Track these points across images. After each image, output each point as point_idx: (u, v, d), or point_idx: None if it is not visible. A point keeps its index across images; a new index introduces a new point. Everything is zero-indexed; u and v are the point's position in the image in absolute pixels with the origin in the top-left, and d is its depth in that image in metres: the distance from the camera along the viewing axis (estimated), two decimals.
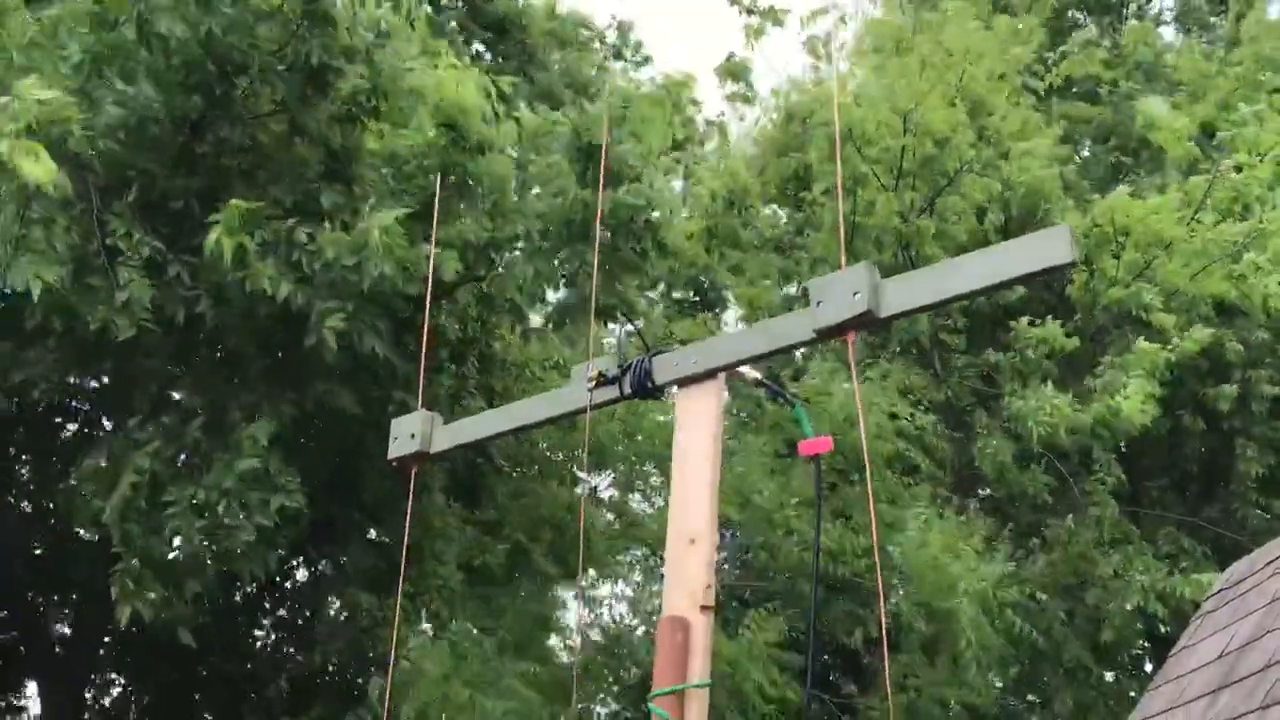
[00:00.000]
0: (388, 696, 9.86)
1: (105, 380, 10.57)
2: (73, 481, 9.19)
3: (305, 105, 9.29)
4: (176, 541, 8.79)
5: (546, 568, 12.61)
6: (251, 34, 8.73)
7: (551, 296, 12.56)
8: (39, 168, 7.27)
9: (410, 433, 3.98)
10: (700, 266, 17.40)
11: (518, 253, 10.56)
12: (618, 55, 15.57)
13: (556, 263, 10.46)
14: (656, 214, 10.47)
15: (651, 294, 17.79)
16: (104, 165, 8.62)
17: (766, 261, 17.62)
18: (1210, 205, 15.18)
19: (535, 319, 13.09)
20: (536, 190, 10.73)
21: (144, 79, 8.65)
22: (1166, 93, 17.73)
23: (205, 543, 8.58)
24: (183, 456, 9.08)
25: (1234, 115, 15.45)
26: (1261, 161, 14.89)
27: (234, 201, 8.21)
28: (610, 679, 14.26)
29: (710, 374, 3.31)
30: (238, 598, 12.68)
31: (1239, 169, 15.13)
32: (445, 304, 10.33)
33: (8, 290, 7.88)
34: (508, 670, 10.69)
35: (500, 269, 10.62)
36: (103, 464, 8.96)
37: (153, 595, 8.67)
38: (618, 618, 17.28)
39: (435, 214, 8.76)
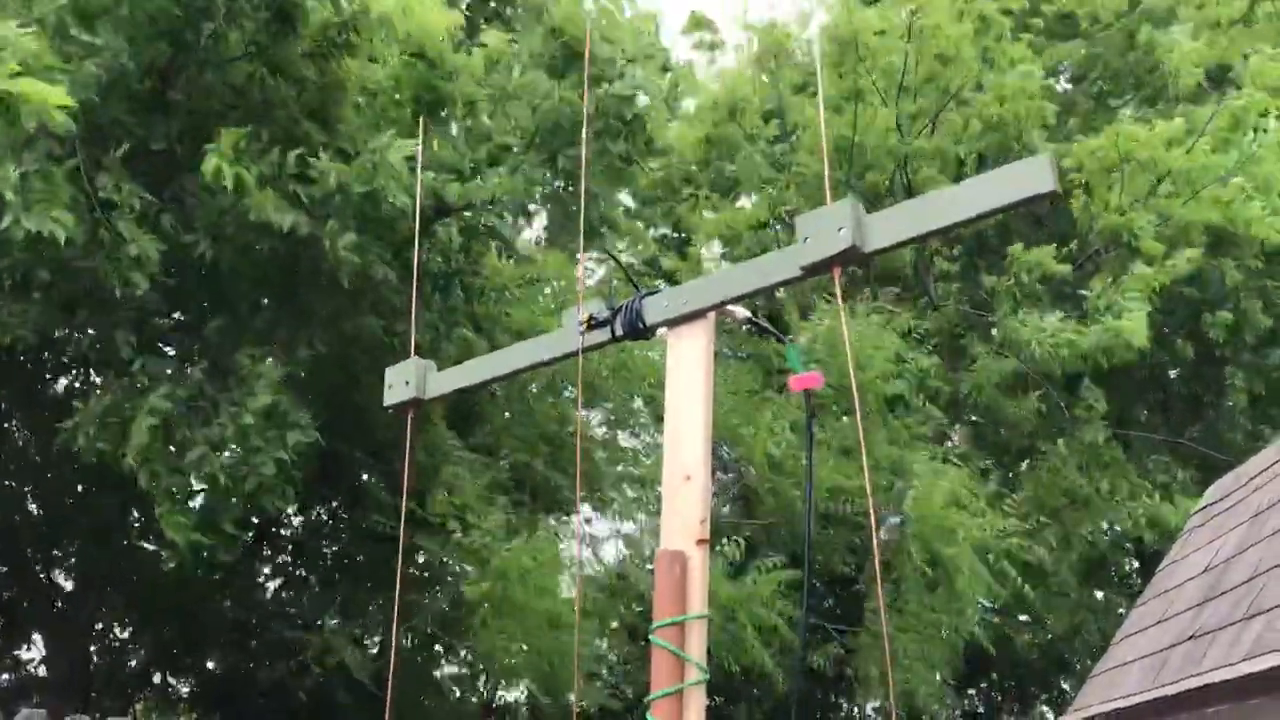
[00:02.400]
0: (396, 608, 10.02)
1: (91, 332, 10.54)
2: (75, 420, 9.18)
3: (276, 43, 9.21)
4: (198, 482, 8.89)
5: (550, 475, 12.74)
6: None
7: (537, 217, 12.51)
8: (53, 93, 7.12)
9: (404, 380, 4.01)
10: (694, 163, 17.21)
11: (497, 174, 10.51)
12: None
13: (542, 174, 10.46)
14: (645, 102, 10.39)
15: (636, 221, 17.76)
16: (84, 117, 8.54)
17: (761, 167, 17.25)
18: (1211, 133, 15.22)
19: (524, 238, 13.04)
20: (515, 103, 10.63)
21: (109, 30, 8.55)
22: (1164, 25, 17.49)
23: (227, 480, 8.67)
24: (186, 394, 9.14)
25: (1254, 56, 15.48)
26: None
27: (224, 129, 8.17)
28: (612, 616, 14.48)
29: (700, 313, 3.35)
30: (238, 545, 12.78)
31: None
32: (425, 240, 10.32)
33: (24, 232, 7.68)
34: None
35: (481, 192, 10.58)
36: (107, 401, 8.97)
37: (195, 535, 8.79)
38: (617, 556, 17.43)
39: (420, 143, 8.75)
